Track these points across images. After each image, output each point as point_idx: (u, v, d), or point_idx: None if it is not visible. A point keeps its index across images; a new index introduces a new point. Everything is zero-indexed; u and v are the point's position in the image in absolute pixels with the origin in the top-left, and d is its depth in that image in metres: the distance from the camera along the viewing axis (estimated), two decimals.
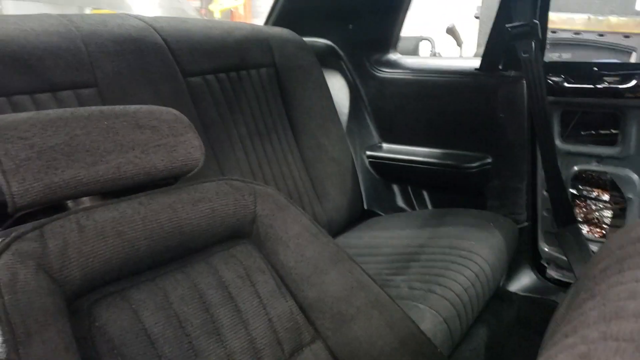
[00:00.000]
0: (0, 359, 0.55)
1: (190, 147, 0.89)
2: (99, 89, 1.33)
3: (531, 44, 1.66)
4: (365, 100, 2.17)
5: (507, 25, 1.68)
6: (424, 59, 2.26)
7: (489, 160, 1.96)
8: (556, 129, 1.84)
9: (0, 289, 0.59)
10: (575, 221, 1.83)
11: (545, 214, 1.93)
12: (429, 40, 3.84)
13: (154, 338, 0.72)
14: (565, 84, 1.75)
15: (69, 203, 0.79)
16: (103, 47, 1.36)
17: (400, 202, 2.21)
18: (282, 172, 1.82)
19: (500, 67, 1.87)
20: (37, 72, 1.23)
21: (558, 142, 1.84)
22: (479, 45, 4.09)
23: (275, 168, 1.80)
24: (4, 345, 0.56)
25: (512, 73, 1.85)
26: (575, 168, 1.85)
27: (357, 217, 2.10)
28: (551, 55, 1.92)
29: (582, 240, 1.81)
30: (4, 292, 0.59)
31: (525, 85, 1.81)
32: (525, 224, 1.95)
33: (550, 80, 1.76)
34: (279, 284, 0.91)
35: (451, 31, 3.73)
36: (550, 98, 1.77)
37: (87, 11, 4.43)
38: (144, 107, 0.89)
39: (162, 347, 0.72)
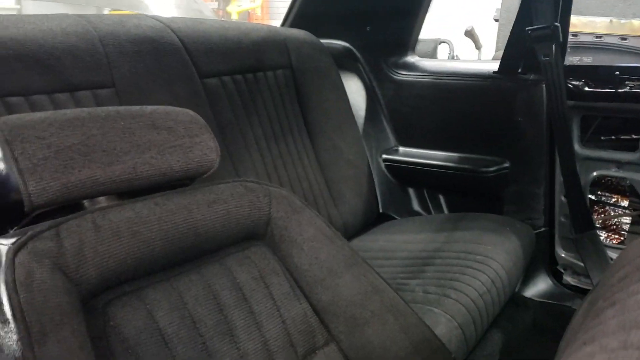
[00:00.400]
0: (15, 357, 0.56)
1: (206, 149, 0.89)
2: (116, 89, 1.34)
3: (552, 47, 1.64)
4: (382, 102, 2.16)
5: (527, 28, 1.67)
6: (442, 62, 2.25)
7: (507, 164, 1.94)
8: (575, 133, 1.82)
9: (16, 288, 0.59)
10: (593, 227, 1.81)
11: (562, 219, 1.91)
12: (447, 43, 3.83)
13: (168, 338, 0.72)
14: (586, 88, 1.73)
15: (85, 203, 0.80)
16: (120, 47, 1.37)
17: (416, 206, 2.20)
18: (297, 174, 1.81)
19: (519, 70, 1.85)
20: (56, 72, 1.24)
21: (577, 147, 1.82)
22: (497, 48, 4.06)
23: (290, 170, 1.79)
24: (19, 343, 0.56)
25: (532, 77, 1.83)
26: (594, 173, 1.83)
27: (372, 220, 2.09)
28: (572, 59, 1.90)
29: (600, 247, 1.79)
30: (19, 290, 0.59)
31: (544, 89, 1.79)
32: (542, 229, 1.93)
33: (570, 84, 1.74)
34: (293, 287, 0.91)
35: (470, 34, 3.72)
36: (570, 102, 1.75)
37: (106, 12, 4.47)
38: (161, 107, 0.90)
39: (176, 347, 0.71)
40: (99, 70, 1.31)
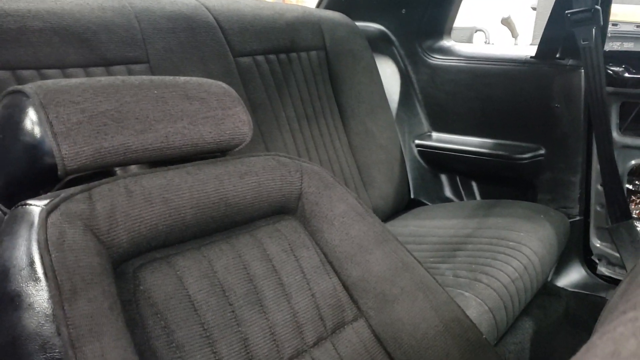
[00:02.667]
0: (46, 315, 0.56)
1: (238, 121, 0.88)
2: (150, 65, 1.34)
3: (591, 31, 1.60)
4: (416, 87, 2.13)
5: (566, 12, 1.62)
6: (477, 47, 2.21)
7: (542, 151, 1.90)
8: (614, 121, 1.77)
9: (48, 247, 0.59)
10: (630, 217, 1.76)
11: (598, 208, 1.87)
12: (483, 32, 3.77)
13: (197, 305, 0.71)
14: (626, 74, 1.68)
15: (117, 171, 0.80)
16: (155, 24, 1.37)
17: (448, 192, 2.17)
18: (328, 157, 1.80)
19: (557, 55, 1.81)
20: (91, 47, 1.25)
21: (615, 134, 1.77)
22: (534, 37, 3.98)
23: (322, 152, 1.78)
24: (49, 301, 0.56)
25: (570, 62, 1.79)
26: (633, 162, 1.78)
27: (403, 206, 2.07)
28: (612, 44, 1.85)
29: (636, 237, 1.75)
30: (51, 249, 0.59)
31: (583, 74, 1.75)
32: (577, 218, 1.89)
33: (609, 70, 1.70)
34: (322, 261, 0.90)
35: (506, 22, 3.65)
36: (609, 89, 1.71)
37: None
38: (194, 79, 0.89)
39: (205, 314, 0.71)
40: (134, 46, 1.32)
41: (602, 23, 1.61)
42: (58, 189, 0.72)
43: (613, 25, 2.87)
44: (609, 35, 1.78)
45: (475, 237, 1.61)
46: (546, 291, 1.84)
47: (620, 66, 1.69)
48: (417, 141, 2.15)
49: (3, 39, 1.12)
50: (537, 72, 1.85)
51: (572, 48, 1.72)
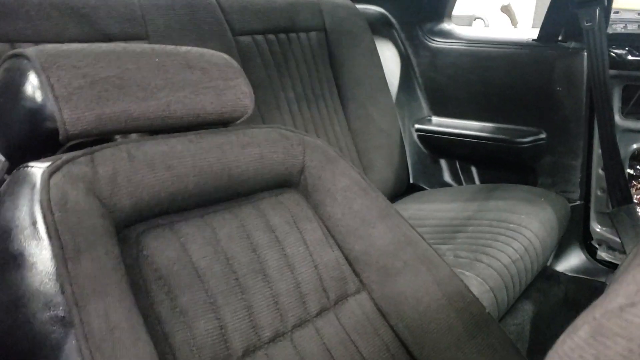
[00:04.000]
0: (49, 273, 0.55)
1: (240, 93, 0.87)
2: (149, 41, 1.33)
3: (595, 12, 1.59)
4: (416, 71, 2.12)
5: None
6: (479, 30, 2.20)
7: (543, 135, 1.89)
8: (616, 104, 1.76)
9: (50, 207, 0.58)
10: (631, 202, 1.76)
11: (599, 193, 1.86)
12: (482, 19, 3.75)
13: (201, 271, 0.71)
14: (630, 57, 1.67)
15: (118, 139, 0.79)
16: (155, 0, 1.36)
17: (447, 177, 2.16)
18: (328, 140, 1.79)
19: (559, 38, 1.80)
20: (90, 22, 1.24)
21: (617, 118, 1.76)
22: (535, 26, 3.97)
23: (321, 135, 1.77)
24: (53, 260, 0.55)
25: (572, 44, 1.77)
26: (635, 146, 1.78)
27: (402, 190, 2.06)
28: (615, 27, 1.84)
29: (637, 222, 1.74)
30: (54, 209, 0.58)
31: (585, 57, 1.74)
32: (578, 202, 1.88)
33: (612, 52, 1.69)
34: (325, 234, 0.90)
35: (506, 9, 3.64)
36: (612, 71, 1.70)
37: None
38: (195, 48, 0.88)
39: (208, 281, 0.71)
40: (134, 22, 1.31)
41: (606, 4, 1.60)
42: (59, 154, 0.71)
43: (614, 12, 2.86)
44: (610, 22, 1.77)
45: (476, 219, 1.60)
46: (546, 275, 1.84)
47: (623, 48, 1.68)
48: (416, 125, 2.14)
49: (2, 12, 1.10)
50: (539, 55, 1.84)
51: (575, 30, 1.70)
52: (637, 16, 3.03)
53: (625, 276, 0.38)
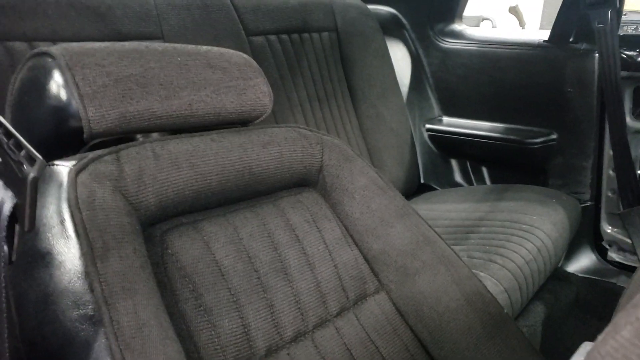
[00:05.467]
0: (78, 272, 0.55)
1: (259, 92, 0.87)
2: (164, 41, 1.33)
3: (607, 14, 1.58)
4: (427, 71, 2.12)
5: None
6: (490, 31, 2.20)
7: (554, 136, 1.89)
8: (628, 105, 1.76)
9: (78, 205, 0.59)
10: None
11: (610, 194, 1.86)
12: (490, 20, 3.75)
13: (224, 270, 0.71)
14: None
15: (140, 138, 0.79)
16: (170, 0, 1.36)
17: (458, 177, 2.16)
18: (339, 139, 1.79)
19: (570, 39, 1.79)
20: (106, 21, 1.24)
21: (629, 119, 1.76)
22: (542, 27, 3.97)
23: (332, 134, 1.77)
24: (82, 258, 0.56)
25: (584, 46, 1.77)
26: None
27: (413, 190, 2.06)
28: (627, 28, 1.83)
29: None
30: (82, 208, 0.59)
31: (597, 58, 1.74)
32: (588, 204, 1.88)
33: (624, 54, 1.68)
34: (344, 233, 0.90)
35: (514, 11, 3.63)
36: (624, 73, 1.69)
37: None
38: (215, 48, 0.88)
39: (231, 279, 0.71)
40: (149, 22, 1.31)
41: (617, 5, 1.59)
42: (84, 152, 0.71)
43: (622, 14, 2.85)
44: (621, 24, 1.77)
45: (488, 220, 1.60)
46: (557, 276, 1.84)
47: (635, 50, 1.68)
48: (427, 125, 2.14)
49: (20, 11, 1.11)
50: (550, 56, 1.84)
51: (586, 31, 1.70)
52: None
53: None
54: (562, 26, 1.80)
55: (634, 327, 0.34)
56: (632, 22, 2.59)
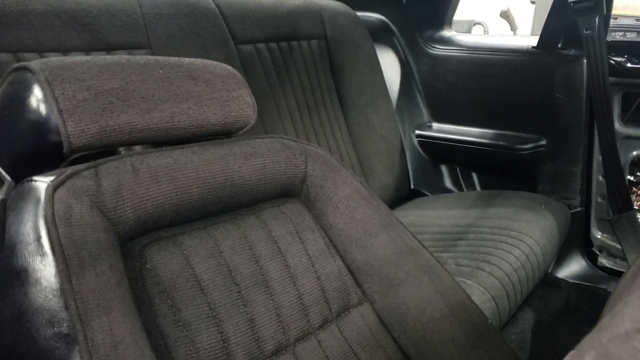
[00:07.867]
0: (54, 289, 0.55)
1: (242, 103, 0.87)
2: (152, 50, 1.33)
3: (594, 20, 1.59)
4: (416, 77, 2.12)
5: (569, 0, 1.62)
6: (479, 37, 2.20)
7: (543, 142, 1.89)
8: (616, 111, 1.77)
9: (55, 222, 0.59)
10: (631, 208, 1.76)
11: (599, 199, 1.86)
12: (481, 25, 3.76)
13: (203, 284, 0.71)
14: (629, 65, 1.68)
15: (122, 151, 0.79)
16: (157, 9, 1.36)
17: (448, 183, 2.17)
18: (328, 146, 1.80)
19: (559, 45, 1.80)
20: (93, 31, 1.24)
21: (617, 125, 1.77)
22: (533, 31, 3.97)
23: (322, 142, 1.78)
24: (57, 275, 0.55)
25: (572, 52, 1.78)
26: (635, 153, 1.78)
27: (403, 196, 2.07)
28: (614, 35, 1.84)
29: (638, 229, 1.74)
30: (58, 224, 0.58)
31: (585, 64, 1.74)
32: (578, 209, 1.88)
33: (612, 60, 1.69)
34: (327, 244, 0.90)
35: (505, 15, 3.64)
36: (612, 79, 1.70)
37: None
38: (198, 60, 0.88)
39: (211, 293, 0.71)
40: (136, 31, 1.31)
41: (605, 12, 1.60)
42: (63, 167, 0.71)
43: (613, 18, 2.86)
44: (609, 30, 1.77)
45: (477, 226, 1.61)
46: (547, 282, 1.84)
47: (622, 56, 1.69)
48: (417, 131, 2.14)
49: (5, 22, 1.10)
50: (539, 62, 1.84)
51: (575, 38, 1.71)
52: (636, 23, 3.04)
53: (630, 297, 0.38)
54: (551, 32, 1.80)
55: (597, 352, 0.34)
56: (622, 28, 2.60)
